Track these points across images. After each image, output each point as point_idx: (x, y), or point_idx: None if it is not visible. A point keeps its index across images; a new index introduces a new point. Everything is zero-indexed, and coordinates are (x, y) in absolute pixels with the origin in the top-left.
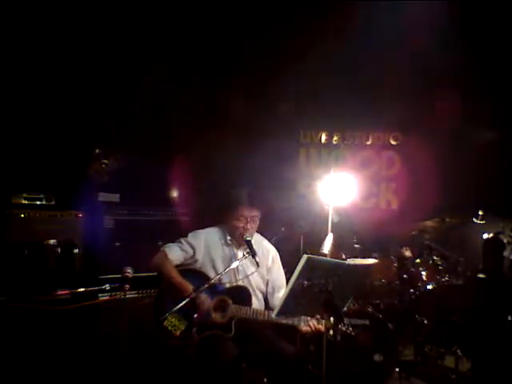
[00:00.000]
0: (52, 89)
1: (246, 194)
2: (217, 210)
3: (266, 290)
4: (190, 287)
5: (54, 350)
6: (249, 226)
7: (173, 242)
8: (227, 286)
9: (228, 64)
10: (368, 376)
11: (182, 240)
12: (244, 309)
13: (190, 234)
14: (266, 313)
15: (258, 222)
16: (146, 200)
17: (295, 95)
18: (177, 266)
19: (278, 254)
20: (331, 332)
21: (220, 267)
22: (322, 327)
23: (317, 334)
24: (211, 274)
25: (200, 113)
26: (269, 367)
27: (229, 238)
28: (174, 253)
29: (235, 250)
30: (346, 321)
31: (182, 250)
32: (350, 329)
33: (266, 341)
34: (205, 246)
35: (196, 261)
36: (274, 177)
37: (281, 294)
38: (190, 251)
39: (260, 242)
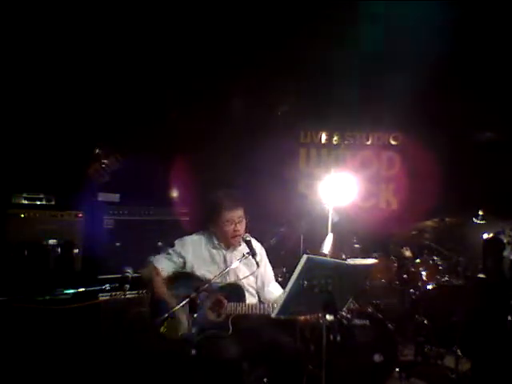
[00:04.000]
0: (52, 89)
1: (226, 196)
2: (203, 216)
3: (256, 286)
4: (174, 303)
5: (55, 349)
6: (238, 227)
7: (173, 242)
8: (220, 285)
9: (228, 64)
10: (368, 376)
11: (170, 250)
12: (239, 305)
13: (176, 242)
14: (262, 307)
15: (245, 220)
16: (145, 200)
17: (295, 95)
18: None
19: (263, 248)
20: (329, 317)
21: (210, 271)
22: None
23: (312, 320)
24: (203, 277)
25: (200, 113)
26: (268, 365)
27: (216, 242)
28: (163, 264)
29: (224, 252)
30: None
31: (171, 260)
32: (348, 314)
33: (264, 337)
34: (193, 252)
35: (186, 268)
36: (274, 177)
37: (271, 287)
38: (179, 260)
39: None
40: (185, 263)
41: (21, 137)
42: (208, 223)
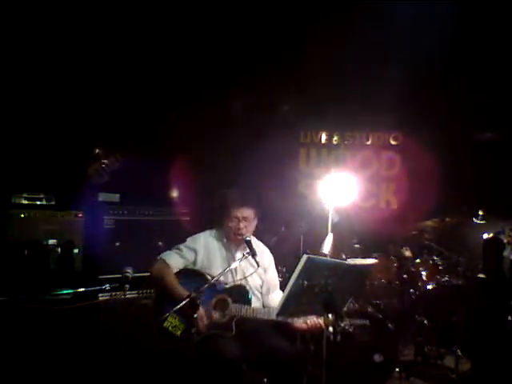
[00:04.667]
0: (52, 89)
1: (236, 194)
2: (212, 212)
3: (261, 291)
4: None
5: (54, 349)
6: (241, 225)
7: (172, 242)
8: (226, 285)
9: (228, 64)
10: (368, 376)
11: (181, 246)
12: (244, 308)
13: (188, 239)
14: (266, 311)
15: (253, 222)
16: (145, 200)
17: (295, 95)
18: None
19: (271, 255)
20: (331, 329)
21: (219, 269)
22: (319, 322)
23: (313, 329)
24: (211, 275)
25: (200, 113)
26: (269, 367)
27: (225, 239)
28: (174, 260)
29: (232, 251)
30: (345, 320)
31: (182, 256)
32: (350, 327)
33: (266, 339)
34: (204, 248)
35: (197, 264)
36: (274, 177)
37: (275, 294)
38: (191, 256)
39: (256, 244)
40: (196, 259)
41: (20, 137)
42: (215, 219)
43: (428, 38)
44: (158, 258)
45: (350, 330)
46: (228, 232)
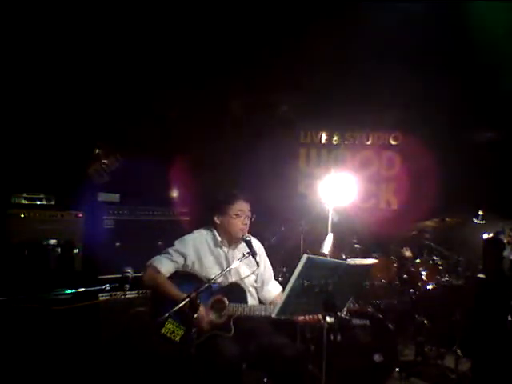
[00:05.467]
0: (52, 89)
1: (239, 190)
2: (210, 211)
3: (256, 286)
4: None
5: (54, 349)
6: (247, 220)
7: (172, 242)
8: (221, 285)
9: (228, 64)
10: (368, 376)
11: (170, 250)
12: (241, 306)
13: (176, 242)
14: (264, 308)
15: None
16: (146, 200)
17: (295, 95)
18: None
19: (262, 247)
20: (328, 319)
21: (212, 269)
22: (317, 316)
23: (312, 321)
24: (204, 277)
25: (200, 113)
26: (269, 366)
27: (219, 239)
28: (165, 265)
29: (226, 251)
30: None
31: (172, 260)
32: (347, 315)
33: (265, 337)
34: (194, 251)
35: (187, 267)
36: (274, 177)
37: (270, 285)
38: (181, 260)
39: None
40: (186, 262)
41: (21, 137)
42: (216, 215)
43: (428, 37)
44: (148, 264)
45: (347, 317)
46: (230, 229)
